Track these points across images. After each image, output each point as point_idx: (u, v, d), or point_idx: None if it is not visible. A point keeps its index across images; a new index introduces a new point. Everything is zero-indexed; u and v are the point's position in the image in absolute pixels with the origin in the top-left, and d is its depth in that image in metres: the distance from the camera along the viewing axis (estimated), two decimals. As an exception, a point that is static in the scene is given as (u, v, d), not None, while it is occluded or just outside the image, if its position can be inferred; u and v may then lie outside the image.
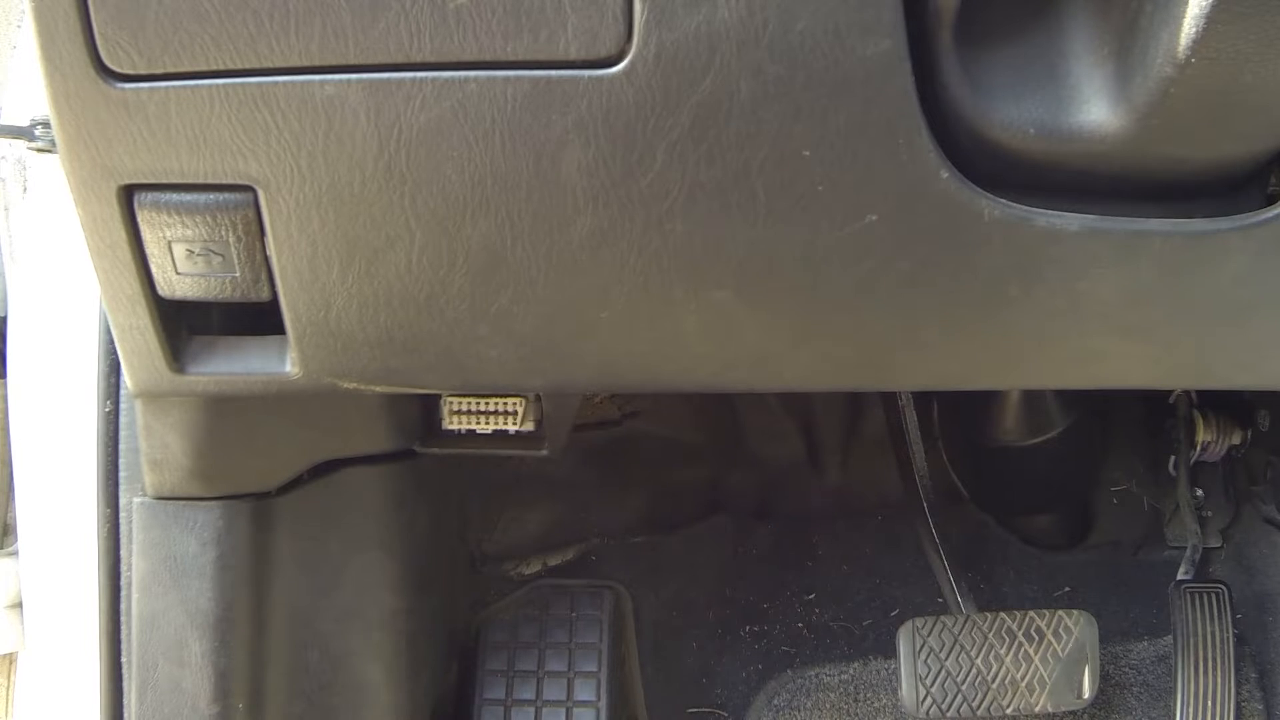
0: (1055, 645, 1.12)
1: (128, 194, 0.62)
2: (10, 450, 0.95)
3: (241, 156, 0.60)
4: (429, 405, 0.90)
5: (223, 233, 0.63)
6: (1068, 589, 1.33)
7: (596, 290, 0.64)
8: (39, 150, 0.88)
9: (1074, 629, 1.12)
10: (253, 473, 0.83)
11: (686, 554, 1.36)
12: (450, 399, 0.85)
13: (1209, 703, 1.13)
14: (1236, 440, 1.26)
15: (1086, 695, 1.11)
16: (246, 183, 0.61)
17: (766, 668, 1.30)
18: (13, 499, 0.96)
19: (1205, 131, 0.58)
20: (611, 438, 1.38)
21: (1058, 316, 0.65)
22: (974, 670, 1.12)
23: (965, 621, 1.14)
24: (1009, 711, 1.11)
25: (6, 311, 1.05)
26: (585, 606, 1.26)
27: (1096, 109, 0.59)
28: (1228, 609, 1.17)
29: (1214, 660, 1.14)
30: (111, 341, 0.82)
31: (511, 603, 1.27)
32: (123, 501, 0.84)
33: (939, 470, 1.36)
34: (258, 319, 0.69)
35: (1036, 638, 1.12)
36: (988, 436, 1.33)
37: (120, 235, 0.63)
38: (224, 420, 0.78)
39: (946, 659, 1.12)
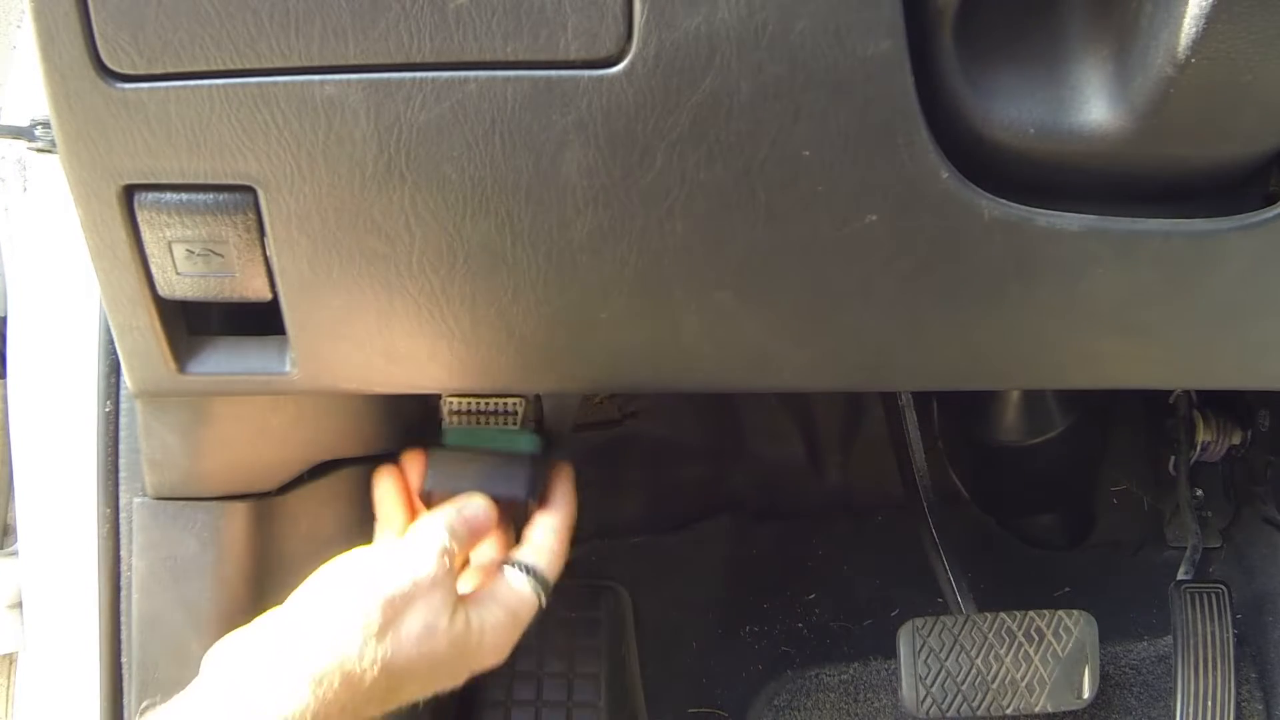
0: (1055, 645, 1.12)
1: (128, 194, 0.62)
2: (10, 450, 0.95)
3: (241, 156, 0.60)
4: (429, 405, 0.90)
5: (223, 233, 0.63)
6: (1068, 589, 1.33)
7: (596, 290, 0.64)
8: (39, 150, 0.88)
9: (1074, 629, 1.12)
10: (253, 473, 0.82)
11: (686, 554, 1.36)
12: (450, 399, 0.85)
13: (1209, 703, 1.13)
14: (1236, 440, 1.26)
15: (1086, 695, 1.11)
16: (246, 183, 0.61)
17: (766, 668, 1.30)
18: (13, 499, 0.96)
19: (1205, 131, 0.58)
20: (611, 438, 1.38)
21: (1058, 316, 0.65)
22: (974, 670, 1.12)
23: (965, 621, 1.14)
24: (1009, 711, 1.11)
25: (6, 311, 1.05)
26: (585, 606, 1.26)
27: (1096, 109, 0.59)
28: (1228, 609, 1.17)
29: (1214, 660, 1.14)
30: (111, 341, 0.82)
31: (511, 603, 1.27)
32: (123, 501, 0.84)
33: (939, 470, 1.37)
34: (258, 319, 0.69)
35: (1036, 638, 1.12)
36: (988, 437, 1.33)
37: (120, 235, 0.63)
38: (224, 420, 0.78)
39: (946, 659, 1.12)
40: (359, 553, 0.70)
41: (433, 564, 0.69)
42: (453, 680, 0.71)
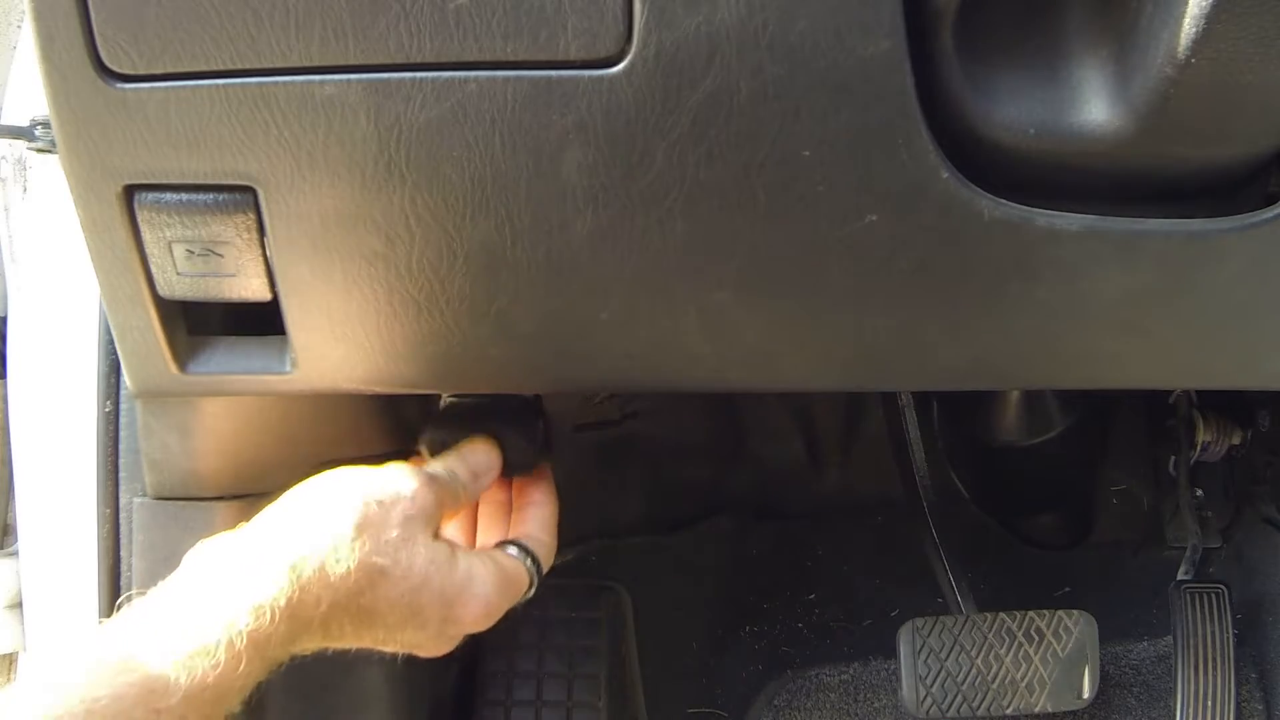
0: (1055, 645, 1.12)
1: (128, 194, 0.62)
2: (10, 450, 0.95)
3: (242, 156, 0.60)
4: (429, 406, 0.90)
5: (223, 233, 0.63)
6: (1068, 589, 1.33)
7: (596, 290, 0.64)
8: (39, 150, 0.88)
9: (1074, 629, 1.12)
10: (252, 473, 0.82)
11: (686, 554, 1.36)
12: (450, 399, 0.85)
13: (1209, 703, 1.13)
14: (1236, 440, 1.26)
15: (1086, 695, 1.11)
16: (246, 183, 0.61)
17: (766, 668, 1.30)
18: (13, 499, 0.96)
19: (1205, 132, 0.58)
20: (611, 438, 1.38)
21: (1058, 316, 0.65)
22: (974, 670, 1.12)
23: (965, 621, 1.14)
24: (1009, 711, 1.11)
25: (6, 311, 1.05)
26: (585, 607, 1.26)
27: (1096, 109, 0.59)
28: (1228, 609, 1.16)
29: (1214, 660, 1.14)
30: (111, 341, 0.82)
31: (511, 603, 1.27)
32: (123, 501, 0.84)
33: (939, 470, 1.36)
34: (258, 319, 0.69)
35: (1036, 638, 1.12)
36: (988, 436, 1.33)
37: (120, 236, 0.63)
38: (224, 420, 0.78)
39: (946, 659, 1.12)
40: (343, 469, 0.70)
41: (415, 482, 0.69)
42: (435, 625, 0.69)
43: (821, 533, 1.41)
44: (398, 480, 0.69)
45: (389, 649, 0.69)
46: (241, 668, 0.58)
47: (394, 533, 0.66)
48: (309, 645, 0.64)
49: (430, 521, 0.69)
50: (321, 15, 0.56)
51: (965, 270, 0.63)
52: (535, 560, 0.77)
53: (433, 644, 0.70)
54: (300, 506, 0.67)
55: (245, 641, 0.58)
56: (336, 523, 0.64)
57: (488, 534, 0.84)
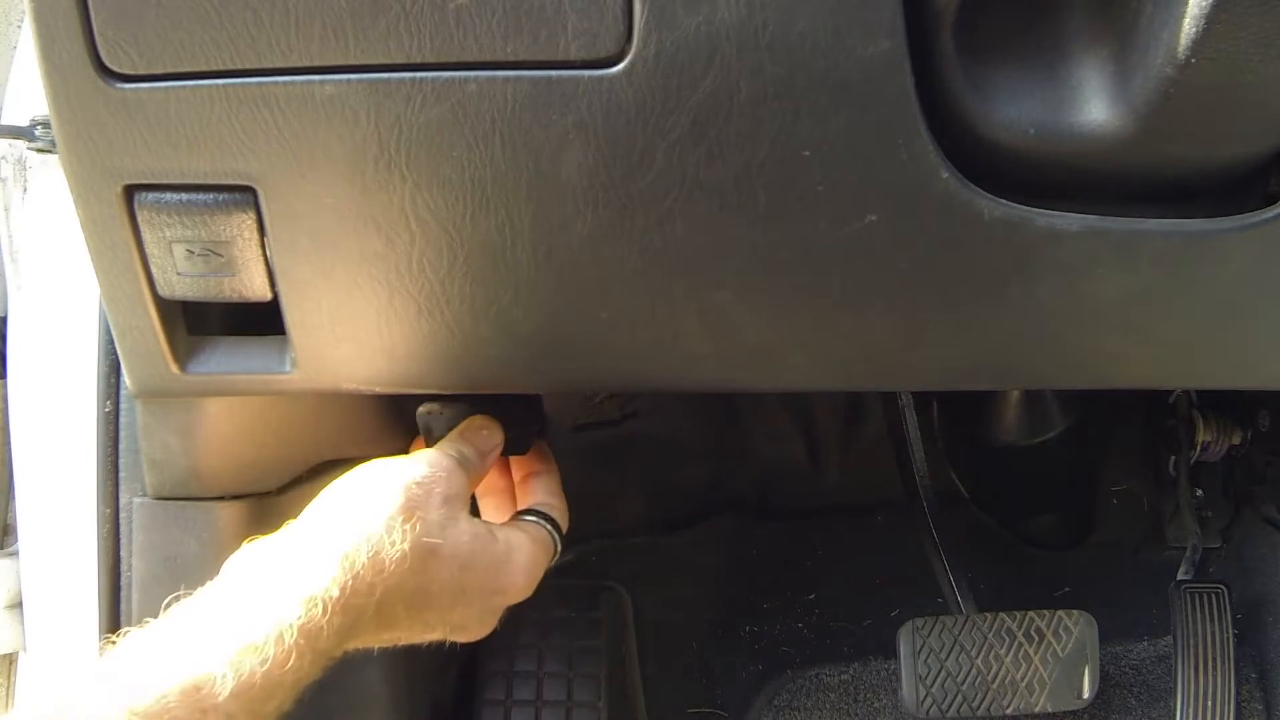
0: (1055, 645, 1.12)
1: (128, 194, 0.62)
2: (10, 450, 0.95)
3: (242, 156, 0.60)
4: (429, 405, 0.90)
5: (223, 233, 0.63)
6: (1068, 589, 1.33)
7: (596, 290, 0.64)
8: (39, 150, 0.88)
9: (1074, 629, 1.12)
10: (253, 473, 0.83)
11: (686, 554, 1.36)
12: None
13: (1209, 703, 1.13)
14: (1236, 440, 1.26)
15: (1086, 695, 1.11)
16: (246, 183, 0.61)
17: (766, 668, 1.30)
18: (13, 499, 0.96)
19: (1205, 132, 0.58)
20: (611, 438, 1.38)
21: (1058, 316, 0.65)
22: (974, 670, 1.12)
23: (965, 621, 1.14)
24: (1009, 711, 1.11)
25: (6, 311, 1.05)
26: (585, 607, 1.26)
27: (1096, 109, 0.59)
28: (1228, 609, 1.17)
29: (1214, 660, 1.14)
30: (111, 341, 0.82)
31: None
32: (123, 501, 0.84)
33: (939, 470, 1.36)
34: (258, 319, 0.69)
35: (1036, 638, 1.12)
36: (988, 436, 1.33)
37: (121, 236, 0.63)
38: (224, 420, 0.78)
39: (946, 659, 1.12)
40: (375, 461, 0.70)
41: (446, 460, 0.70)
42: (481, 600, 0.69)
43: (821, 533, 1.41)
44: (430, 464, 0.69)
45: (437, 634, 0.69)
46: (291, 662, 0.57)
47: (438, 513, 0.66)
48: (364, 638, 0.63)
49: (465, 501, 0.70)
50: (321, 15, 0.56)
51: (965, 270, 0.63)
52: (554, 524, 0.78)
53: (477, 623, 0.71)
54: (342, 498, 0.66)
55: (295, 635, 0.57)
56: (385, 508, 0.64)
57: (493, 518, 0.84)
